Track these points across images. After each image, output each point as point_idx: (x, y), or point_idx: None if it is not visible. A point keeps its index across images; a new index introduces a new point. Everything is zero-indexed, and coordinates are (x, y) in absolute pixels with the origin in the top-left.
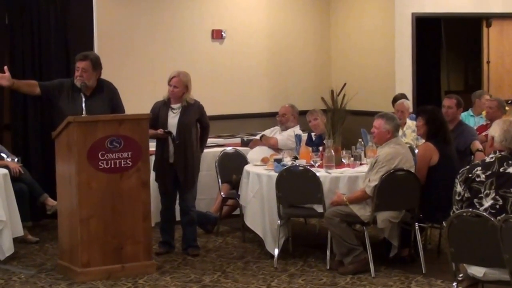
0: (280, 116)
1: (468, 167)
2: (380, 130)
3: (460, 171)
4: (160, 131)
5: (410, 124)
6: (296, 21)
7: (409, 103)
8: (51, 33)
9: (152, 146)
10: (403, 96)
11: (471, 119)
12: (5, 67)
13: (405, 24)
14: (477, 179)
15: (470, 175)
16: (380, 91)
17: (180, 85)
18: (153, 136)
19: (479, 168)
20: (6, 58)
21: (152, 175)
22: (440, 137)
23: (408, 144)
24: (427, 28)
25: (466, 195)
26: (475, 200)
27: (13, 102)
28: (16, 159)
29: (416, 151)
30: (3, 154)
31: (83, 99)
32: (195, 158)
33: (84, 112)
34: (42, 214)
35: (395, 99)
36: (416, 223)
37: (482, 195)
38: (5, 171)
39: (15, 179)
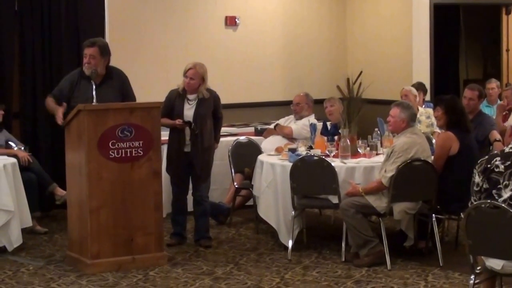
0: (294, 105)
1: (486, 157)
2: (396, 119)
3: (478, 161)
4: (178, 121)
5: (423, 111)
6: (312, 8)
7: (411, 87)
8: (61, 20)
9: (164, 135)
10: (420, 85)
11: (486, 109)
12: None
13: (423, 12)
14: (496, 170)
15: (488, 166)
16: (397, 79)
17: (197, 77)
18: (170, 125)
19: (498, 158)
20: (16, 45)
21: (164, 165)
22: (461, 126)
23: (425, 134)
24: (445, 16)
25: (484, 186)
26: (494, 191)
27: (22, 90)
28: (22, 148)
29: (434, 140)
30: (11, 143)
31: (94, 87)
32: (211, 148)
33: (94, 101)
34: (51, 204)
35: None
36: (433, 215)
37: (501, 186)
38: (14, 160)
39: (23, 168)
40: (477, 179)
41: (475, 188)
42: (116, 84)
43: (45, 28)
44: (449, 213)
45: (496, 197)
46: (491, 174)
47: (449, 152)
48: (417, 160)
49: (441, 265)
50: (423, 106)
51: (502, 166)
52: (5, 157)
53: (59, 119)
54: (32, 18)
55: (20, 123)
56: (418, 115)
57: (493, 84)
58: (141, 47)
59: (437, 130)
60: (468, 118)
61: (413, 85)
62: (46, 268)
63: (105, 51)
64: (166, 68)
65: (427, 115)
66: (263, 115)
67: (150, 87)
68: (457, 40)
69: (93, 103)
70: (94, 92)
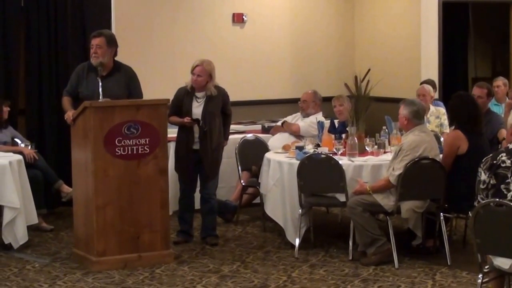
0: (301, 102)
1: (491, 154)
2: (400, 115)
3: (483, 160)
4: (187, 119)
5: (434, 110)
6: (320, 5)
7: (430, 87)
8: (67, 16)
9: (171, 132)
10: (431, 82)
11: (495, 108)
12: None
13: (431, 9)
14: (503, 165)
15: (494, 162)
16: (405, 77)
17: (204, 74)
18: (179, 124)
19: (504, 154)
20: (22, 41)
21: (171, 163)
22: (467, 125)
23: (433, 132)
24: (454, 13)
25: (491, 182)
26: (502, 186)
27: (28, 86)
28: (28, 145)
29: (442, 139)
30: (17, 140)
31: (100, 83)
32: (220, 146)
33: (101, 97)
34: (57, 202)
35: None
36: (441, 213)
37: (509, 180)
38: (20, 157)
39: (29, 165)
40: (483, 176)
41: (481, 186)
42: (123, 78)
43: (51, 24)
44: (457, 212)
45: (505, 192)
46: (498, 169)
47: (458, 151)
48: (425, 159)
49: (449, 264)
50: (432, 103)
51: (509, 161)
52: (11, 154)
53: (69, 120)
54: (38, 14)
55: (26, 120)
56: (428, 115)
57: (499, 81)
58: (148, 44)
59: (447, 131)
60: (476, 118)
61: (422, 82)
62: (51, 266)
63: (111, 41)
64: (173, 65)
65: (436, 115)
66: (270, 113)
67: (157, 84)
68: (466, 38)
69: (100, 99)
70: (100, 89)
